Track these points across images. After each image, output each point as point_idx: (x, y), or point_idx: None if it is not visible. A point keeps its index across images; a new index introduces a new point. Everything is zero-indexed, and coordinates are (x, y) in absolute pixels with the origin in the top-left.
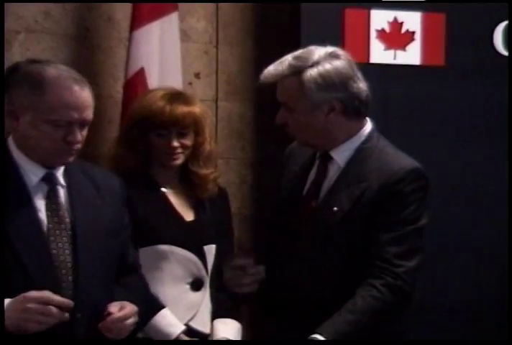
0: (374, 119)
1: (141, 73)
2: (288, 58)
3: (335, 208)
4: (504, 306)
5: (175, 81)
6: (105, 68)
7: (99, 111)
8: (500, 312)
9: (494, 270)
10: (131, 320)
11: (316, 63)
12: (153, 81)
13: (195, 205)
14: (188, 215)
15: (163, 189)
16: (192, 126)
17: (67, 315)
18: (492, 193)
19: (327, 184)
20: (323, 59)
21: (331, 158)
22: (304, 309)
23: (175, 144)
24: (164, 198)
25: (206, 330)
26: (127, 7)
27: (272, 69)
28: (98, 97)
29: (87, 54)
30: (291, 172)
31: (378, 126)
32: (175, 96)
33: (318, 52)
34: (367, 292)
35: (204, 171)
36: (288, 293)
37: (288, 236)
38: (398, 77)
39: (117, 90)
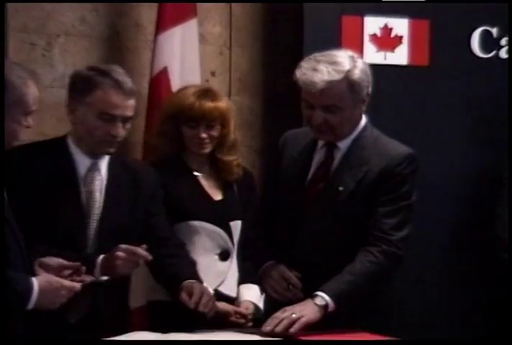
0: (367, 113)
1: (164, 72)
2: (324, 66)
3: (341, 188)
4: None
5: (194, 79)
6: (132, 67)
7: None
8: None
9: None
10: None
11: (353, 65)
12: (175, 78)
13: (223, 186)
14: (217, 195)
15: (195, 173)
16: (218, 119)
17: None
18: (473, 184)
19: (332, 168)
20: (353, 60)
21: (335, 146)
22: (313, 274)
23: (203, 135)
24: (196, 180)
25: (233, 294)
26: (153, 14)
27: (322, 79)
28: None
29: (117, 54)
30: (290, 158)
31: (370, 119)
32: (204, 93)
33: (343, 54)
34: (365, 257)
35: (229, 158)
36: (300, 261)
37: (297, 214)
38: (387, 75)
39: (143, 86)
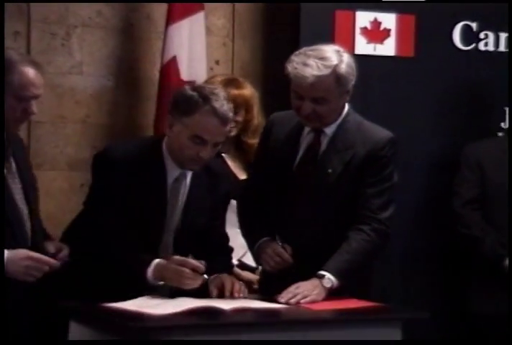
0: (357, 98)
1: (173, 60)
2: (313, 60)
3: (329, 170)
4: None
5: (200, 67)
6: (144, 56)
7: (140, 90)
8: None
9: None
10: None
11: (340, 59)
12: (183, 66)
13: (247, 167)
14: (241, 175)
15: (223, 154)
16: (243, 105)
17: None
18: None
19: (320, 152)
20: (340, 55)
21: (322, 131)
22: (306, 248)
23: None
24: (223, 161)
25: (254, 264)
26: (163, 8)
27: (312, 73)
28: (139, 78)
29: (130, 44)
30: (277, 140)
31: (360, 104)
32: (229, 82)
33: (330, 49)
34: (359, 235)
35: (252, 140)
36: (293, 237)
37: (288, 195)
38: (376, 65)
39: (154, 73)
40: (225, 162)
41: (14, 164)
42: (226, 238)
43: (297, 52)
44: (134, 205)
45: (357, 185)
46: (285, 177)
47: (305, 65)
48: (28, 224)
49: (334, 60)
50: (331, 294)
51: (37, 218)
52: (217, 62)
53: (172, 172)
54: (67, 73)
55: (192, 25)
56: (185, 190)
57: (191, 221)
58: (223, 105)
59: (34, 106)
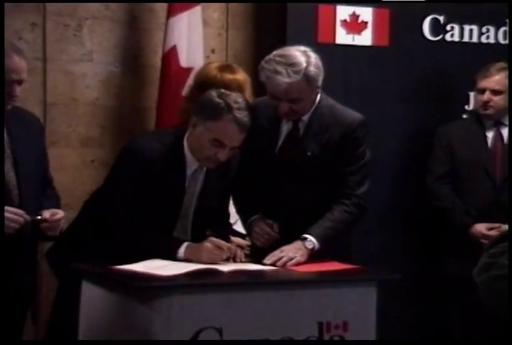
0: (338, 84)
1: (173, 49)
2: (283, 68)
3: (309, 153)
4: None
5: (197, 55)
6: (147, 45)
7: (143, 76)
8: None
9: None
10: (62, 222)
11: (307, 61)
12: (182, 54)
13: None
14: None
15: None
16: (236, 88)
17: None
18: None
19: (299, 137)
20: (307, 56)
21: (299, 119)
22: (293, 221)
23: None
24: None
25: (243, 231)
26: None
27: (284, 81)
28: (142, 65)
29: (135, 35)
30: (260, 125)
31: (340, 88)
32: (224, 67)
33: (297, 52)
34: (340, 207)
35: None
36: (281, 212)
37: (273, 177)
38: (355, 53)
39: (156, 61)
40: None
41: (7, 139)
42: (229, 216)
43: (267, 59)
44: (156, 194)
45: (335, 164)
46: (268, 161)
47: (276, 72)
48: (15, 192)
49: (303, 64)
50: (314, 257)
51: (29, 191)
52: (213, 51)
53: (191, 164)
54: (78, 61)
55: (190, 18)
56: (201, 180)
57: (206, 206)
58: (244, 115)
59: (17, 90)
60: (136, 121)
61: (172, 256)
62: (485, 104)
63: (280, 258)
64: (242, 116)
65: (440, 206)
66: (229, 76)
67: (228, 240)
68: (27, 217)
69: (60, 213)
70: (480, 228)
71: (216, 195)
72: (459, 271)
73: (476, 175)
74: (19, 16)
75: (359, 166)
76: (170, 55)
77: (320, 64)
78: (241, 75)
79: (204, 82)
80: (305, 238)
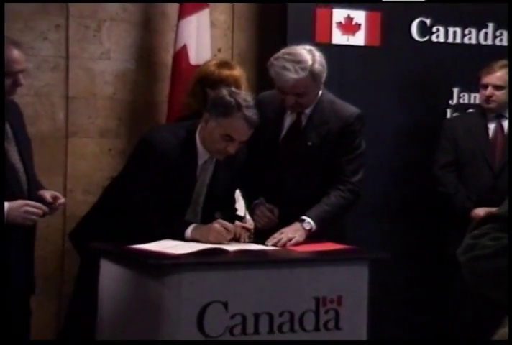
0: (334, 80)
1: (184, 48)
2: (291, 65)
3: (309, 143)
4: None
5: (206, 54)
6: (160, 44)
7: (156, 72)
8: None
9: None
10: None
11: (313, 59)
12: (192, 53)
13: None
14: None
15: None
16: (233, 83)
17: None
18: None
19: (301, 128)
20: (313, 54)
21: (302, 111)
22: (294, 207)
23: None
24: None
25: (242, 214)
26: (176, 5)
27: (292, 77)
28: (155, 63)
29: (149, 35)
30: (266, 117)
31: (336, 84)
32: (222, 64)
33: (304, 51)
34: (336, 192)
35: None
36: (284, 197)
37: (277, 165)
38: (349, 52)
39: (168, 59)
40: None
41: (10, 130)
42: (235, 202)
43: (276, 56)
44: (170, 182)
45: (333, 154)
46: (272, 150)
47: (285, 69)
48: (24, 179)
49: (309, 61)
50: (312, 238)
51: (32, 174)
52: (219, 50)
53: (203, 156)
54: (98, 59)
55: (199, 19)
56: (211, 170)
57: (215, 193)
58: (253, 113)
59: (21, 79)
60: (149, 113)
61: (180, 236)
62: (488, 98)
63: (280, 239)
64: (251, 113)
65: (444, 192)
66: (226, 72)
67: (233, 222)
68: (45, 208)
69: (61, 199)
70: (480, 212)
71: (224, 184)
72: None
73: (477, 163)
74: (44, 18)
75: (354, 156)
76: (181, 54)
77: (324, 62)
78: (237, 71)
79: (203, 77)
80: (303, 220)
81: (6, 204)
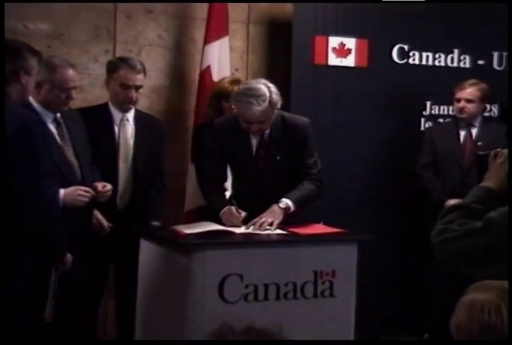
0: (329, 95)
1: (208, 68)
2: (254, 99)
3: (278, 157)
4: None
5: (225, 72)
6: (189, 65)
7: (185, 88)
8: None
9: None
10: (109, 193)
11: (269, 91)
12: (214, 72)
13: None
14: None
15: None
16: None
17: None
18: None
19: (267, 145)
20: (268, 87)
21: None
22: (270, 200)
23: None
24: None
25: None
26: (202, 33)
27: (257, 109)
28: (185, 80)
29: (180, 57)
30: (229, 140)
31: (331, 98)
32: (234, 81)
33: (260, 85)
34: (307, 182)
35: None
36: (262, 196)
37: (254, 173)
38: (342, 72)
39: (195, 77)
40: None
41: (66, 132)
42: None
43: (238, 93)
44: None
45: (296, 157)
46: (250, 164)
47: (250, 103)
48: (78, 172)
49: (267, 93)
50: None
51: (86, 168)
52: (236, 70)
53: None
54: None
55: (220, 45)
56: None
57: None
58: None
59: (73, 94)
60: (179, 120)
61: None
62: (461, 110)
63: (262, 223)
64: (134, 63)
65: (424, 186)
66: (237, 88)
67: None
68: (93, 193)
69: (108, 186)
70: (452, 202)
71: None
72: None
73: (450, 163)
74: (96, 44)
75: (312, 153)
76: (205, 73)
77: (277, 91)
78: None
79: (219, 92)
80: (280, 201)
81: (62, 190)
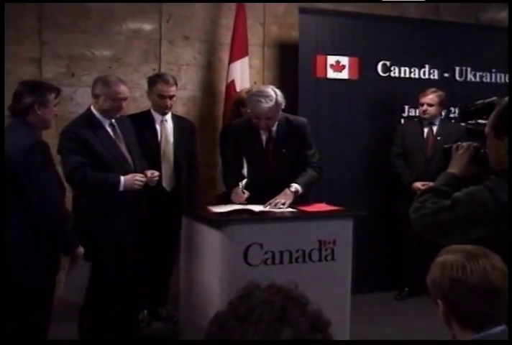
0: (328, 102)
1: (232, 82)
2: (263, 98)
3: (284, 150)
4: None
5: (246, 85)
6: (217, 79)
7: (214, 98)
8: None
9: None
10: (157, 178)
11: (275, 93)
12: (237, 85)
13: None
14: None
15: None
16: None
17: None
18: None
19: (274, 140)
20: (275, 91)
21: (270, 129)
22: (278, 186)
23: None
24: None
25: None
26: (227, 54)
27: (265, 106)
28: (214, 91)
29: (211, 74)
30: (243, 137)
31: (330, 105)
32: (250, 91)
33: (268, 88)
34: (310, 169)
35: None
36: (269, 182)
37: (264, 163)
38: (338, 83)
39: (222, 89)
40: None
41: (120, 133)
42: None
43: (251, 93)
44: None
45: (298, 151)
46: (261, 155)
47: (259, 102)
48: (132, 164)
49: (273, 95)
50: (309, 201)
51: (138, 161)
52: (255, 82)
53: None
54: (179, 89)
55: (242, 63)
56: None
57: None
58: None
59: (123, 104)
60: (211, 123)
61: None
62: (424, 112)
63: (277, 203)
64: (167, 77)
65: (395, 172)
66: None
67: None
68: (146, 179)
69: (156, 172)
70: (417, 184)
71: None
72: (406, 210)
73: (416, 153)
74: (145, 65)
75: (310, 146)
76: (230, 86)
77: (282, 94)
78: None
79: (238, 100)
80: (291, 186)
81: (122, 178)
